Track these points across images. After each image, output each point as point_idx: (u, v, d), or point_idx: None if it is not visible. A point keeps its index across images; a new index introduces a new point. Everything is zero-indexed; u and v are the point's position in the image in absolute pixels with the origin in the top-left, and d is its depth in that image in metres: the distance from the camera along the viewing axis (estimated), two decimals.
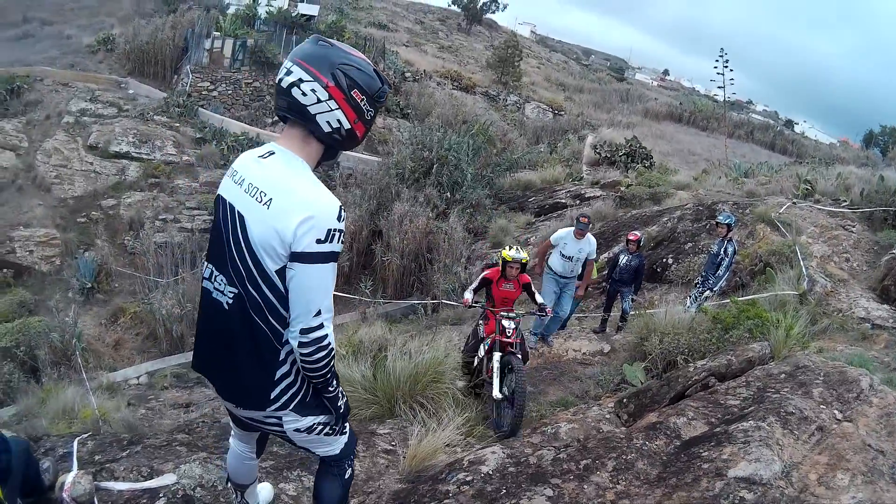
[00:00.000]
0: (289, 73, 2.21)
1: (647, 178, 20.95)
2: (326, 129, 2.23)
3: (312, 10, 46.31)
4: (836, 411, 3.71)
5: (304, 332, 2.17)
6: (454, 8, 67.32)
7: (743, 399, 4.09)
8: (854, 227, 13.34)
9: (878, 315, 9.46)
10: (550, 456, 3.80)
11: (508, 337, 6.31)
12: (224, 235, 2.30)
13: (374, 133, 29.83)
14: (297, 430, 2.44)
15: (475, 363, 6.74)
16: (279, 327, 2.25)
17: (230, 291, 2.29)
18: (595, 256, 9.85)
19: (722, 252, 9.57)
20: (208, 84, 32.78)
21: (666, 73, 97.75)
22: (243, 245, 2.21)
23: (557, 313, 9.60)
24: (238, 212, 2.25)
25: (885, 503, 2.93)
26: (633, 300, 10.43)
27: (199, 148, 25.40)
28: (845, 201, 15.31)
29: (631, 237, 10.30)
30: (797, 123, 79.21)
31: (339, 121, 2.23)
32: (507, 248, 6.89)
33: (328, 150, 2.34)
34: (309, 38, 2.34)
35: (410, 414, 5.33)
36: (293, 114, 2.24)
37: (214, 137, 26.42)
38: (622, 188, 20.11)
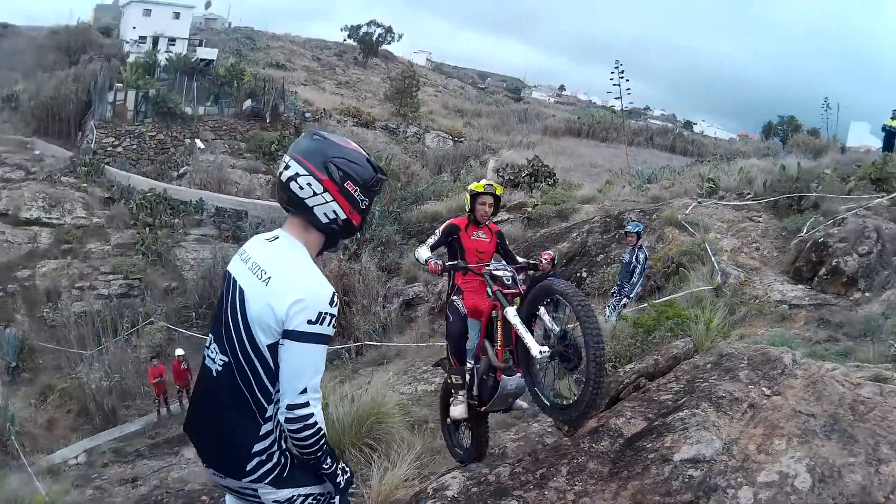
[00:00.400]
0: (287, 167, 2.37)
1: (552, 196, 21.26)
2: (324, 220, 2.39)
3: (211, 54, 46.46)
4: (763, 388, 3.92)
5: (290, 408, 2.26)
6: (350, 42, 67.67)
7: (675, 393, 4.27)
8: (760, 217, 14.10)
9: (793, 295, 10.10)
10: (507, 472, 3.96)
11: (511, 286, 4.49)
12: (223, 306, 2.44)
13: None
14: (276, 501, 2.46)
15: (468, 367, 4.73)
16: (263, 401, 2.34)
17: (220, 360, 2.39)
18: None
19: (634, 260, 9.97)
20: (113, 139, 32.38)
21: (562, 88, 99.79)
22: (240, 317, 2.34)
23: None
24: (240, 286, 2.40)
25: (822, 455, 3.20)
26: None
27: (108, 208, 24.98)
28: (749, 194, 16.17)
29: (545, 257, 10.22)
30: (696, 123, 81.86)
31: (335, 212, 2.38)
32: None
33: (329, 239, 2.50)
34: (305, 133, 2.53)
35: (362, 457, 5.43)
36: (293, 206, 2.40)
37: (122, 196, 26.04)
38: (528, 209, 20.37)
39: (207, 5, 64.13)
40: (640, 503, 3.22)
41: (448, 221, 5.24)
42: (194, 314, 20.79)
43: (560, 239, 15.90)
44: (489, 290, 4.51)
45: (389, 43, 68.39)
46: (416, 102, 49.87)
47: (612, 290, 10.65)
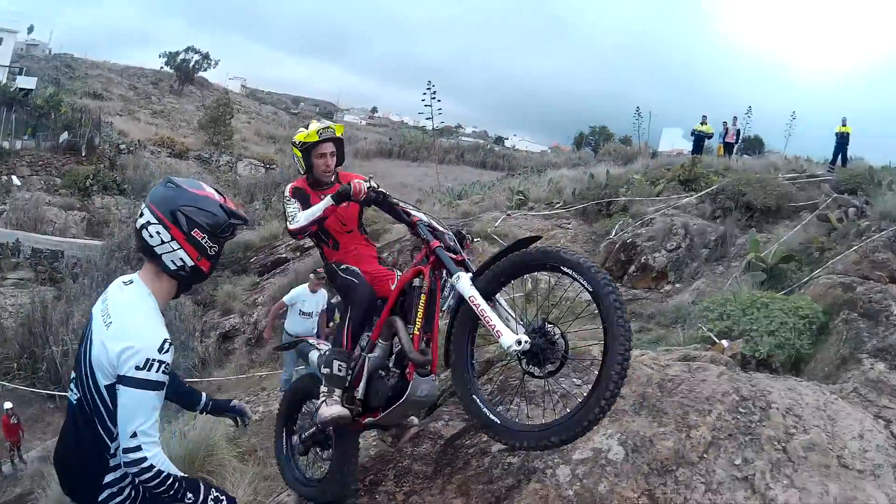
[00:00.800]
0: (141, 215, 2.43)
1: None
2: (172, 267, 2.43)
3: (30, 83, 43.93)
4: (574, 380, 4.20)
5: (124, 451, 2.27)
6: (167, 69, 65.44)
7: (490, 393, 4.37)
8: (570, 224, 15.09)
9: None
10: None
11: (454, 249, 3.46)
12: (81, 344, 2.48)
13: (95, 215, 28.09)
14: None
15: (356, 355, 3.67)
16: (106, 438, 2.38)
17: (74, 394, 2.45)
18: (326, 305, 9.75)
19: None
20: None
21: (374, 110, 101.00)
22: (85, 357, 2.40)
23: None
24: (92, 327, 2.44)
25: (633, 429, 3.55)
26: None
27: None
28: (559, 203, 17.16)
29: None
30: (507, 138, 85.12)
31: (182, 259, 2.43)
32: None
33: (182, 284, 2.54)
34: (161, 181, 2.57)
35: None
36: (145, 253, 2.45)
37: None
38: None
39: (30, 30, 60.02)
40: (466, 493, 3.44)
41: (290, 186, 3.99)
42: (16, 364, 18.95)
43: None
44: (427, 247, 3.41)
45: (206, 70, 66.76)
46: (229, 130, 48.78)
47: None
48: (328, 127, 3.95)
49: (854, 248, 9.60)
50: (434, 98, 31.29)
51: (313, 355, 3.89)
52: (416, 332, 3.32)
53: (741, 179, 15.20)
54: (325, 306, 9.52)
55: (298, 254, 19.40)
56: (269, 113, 71.05)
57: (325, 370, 3.55)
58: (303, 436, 3.89)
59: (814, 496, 3.10)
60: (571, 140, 62.07)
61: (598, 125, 58.78)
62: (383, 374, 3.48)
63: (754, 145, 36.29)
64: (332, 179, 4.01)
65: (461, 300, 3.22)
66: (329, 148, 3.94)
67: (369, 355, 3.58)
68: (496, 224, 15.03)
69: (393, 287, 3.62)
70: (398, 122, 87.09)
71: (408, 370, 3.36)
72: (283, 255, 19.91)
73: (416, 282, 3.40)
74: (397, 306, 3.53)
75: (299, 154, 3.95)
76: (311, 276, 9.44)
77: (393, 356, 3.51)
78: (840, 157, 20.66)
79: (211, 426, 6.13)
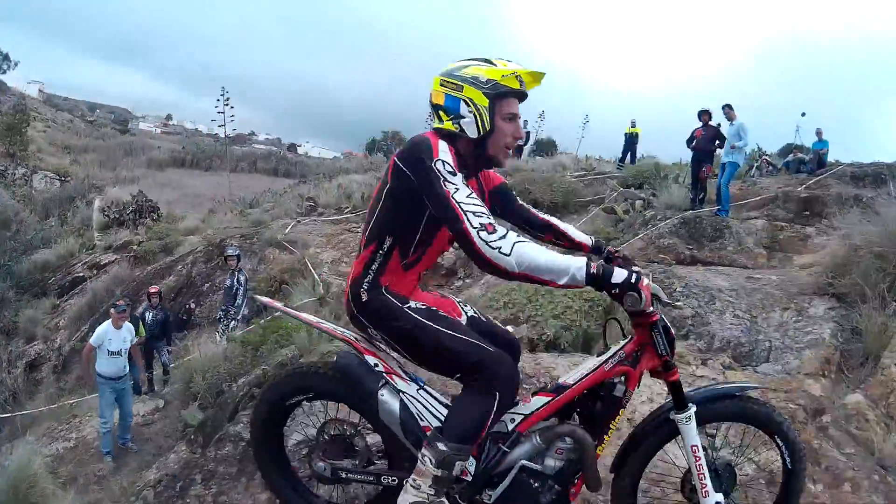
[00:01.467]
0: None
1: (157, 231, 20.67)
2: None
3: None
4: None
5: None
6: None
7: None
8: (358, 227, 15.31)
9: None
10: (151, 494, 4.16)
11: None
12: None
13: None
14: None
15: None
16: None
17: None
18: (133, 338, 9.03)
19: (235, 283, 10.53)
20: None
21: (169, 117, 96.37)
22: None
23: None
24: None
25: None
26: (169, 352, 10.40)
27: None
28: (347, 208, 17.47)
29: (151, 290, 10.54)
30: (300, 145, 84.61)
31: None
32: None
33: None
34: None
35: None
36: None
37: None
38: (134, 247, 19.58)
39: None
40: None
41: (442, 143, 2.39)
42: None
43: (166, 273, 15.68)
44: (655, 355, 2.51)
45: (4, 72, 58.58)
46: (25, 140, 43.28)
47: (219, 316, 10.94)
48: (542, 74, 2.58)
49: (640, 235, 10.22)
50: (227, 105, 30.71)
51: (402, 412, 2.62)
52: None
53: (527, 178, 15.88)
54: (132, 340, 8.82)
55: (96, 271, 18.14)
56: (65, 121, 64.16)
57: (438, 471, 2.41)
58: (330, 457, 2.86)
59: None
60: (364, 146, 60.43)
61: (391, 130, 57.07)
62: (537, 484, 2.55)
63: (547, 147, 38.24)
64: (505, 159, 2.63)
65: (661, 429, 2.67)
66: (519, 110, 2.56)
67: (514, 450, 2.57)
68: (286, 231, 15.24)
69: (573, 382, 2.58)
70: (192, 129, 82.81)
71: (573, 490, 2.58)
72: (81, 274, 18.43)
73: (619, 389, 2.56)
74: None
75: (484, 101, 2.45)
76: (112, 310, 8.71)
77: (557, 467, 2.57)
78: (630, 155, 21.91)
79: (28, 457, 6.08)
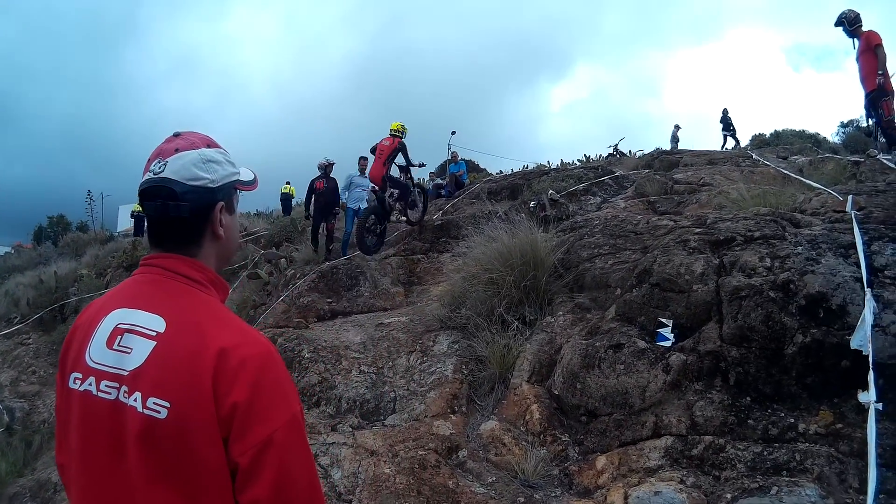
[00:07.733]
0: None
1: None
2: None
3: None
4: None
5: None
6: None
7: None
8: (30, 339, 14.02)
9: None
10: None
11: None
12: None
13: None
14: None
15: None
16: None
17: None
18: None
19: None
20: None
21: None
22: None
23: None
24: None
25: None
26: None
27: None
28: (17, 317, 15.57)
29: None
30: None
31: None
32: None
33: None
34: None
35: None
36: None
37: None
38: None
39: None
40: None
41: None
42: None
43: None
44: None
45: None
46: None
47: None
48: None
49: (281, 298, 10.03)
50: None
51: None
52: None
53: None
54: None
55: None
56: None
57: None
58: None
59: None
60: (32, 236, 54.31)
61: (55, 215, 52.84)
62: None
63: None
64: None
65: None
66: None
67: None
68: None
69: None
70: None
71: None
72: None
73: None
74: None
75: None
76: None
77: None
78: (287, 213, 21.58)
79: None
